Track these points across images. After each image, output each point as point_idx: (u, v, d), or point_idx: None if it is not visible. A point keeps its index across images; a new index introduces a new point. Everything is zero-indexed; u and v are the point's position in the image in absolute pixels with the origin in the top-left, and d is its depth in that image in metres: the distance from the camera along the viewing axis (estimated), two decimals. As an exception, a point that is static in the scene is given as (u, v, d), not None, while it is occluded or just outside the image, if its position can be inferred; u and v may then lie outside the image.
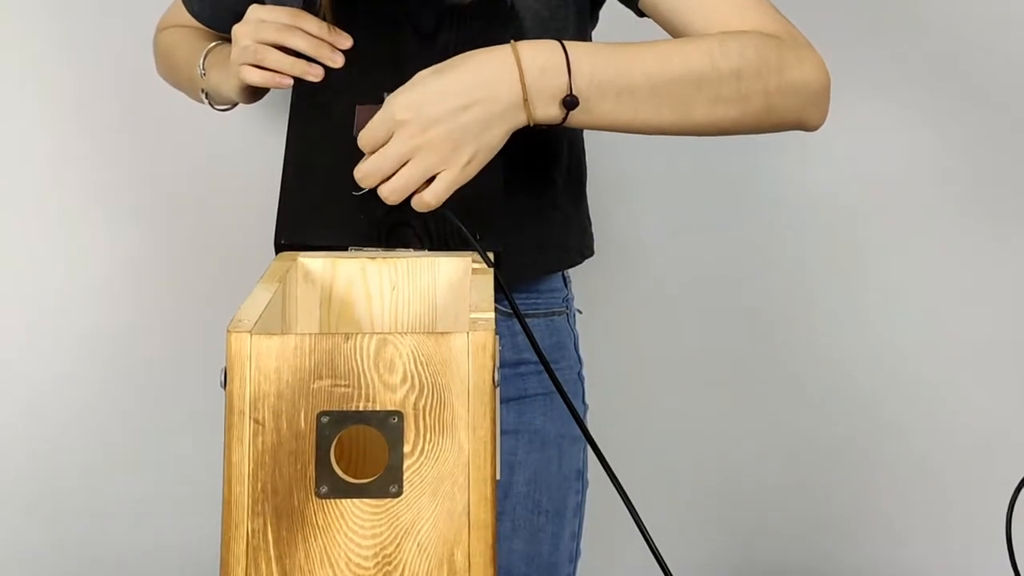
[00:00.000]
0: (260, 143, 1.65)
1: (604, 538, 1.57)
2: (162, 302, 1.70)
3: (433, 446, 0.77)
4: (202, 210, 1.70)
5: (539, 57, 0.95)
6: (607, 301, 1.79)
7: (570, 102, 0.96)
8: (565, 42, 0.97)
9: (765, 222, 1.83)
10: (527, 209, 1.17)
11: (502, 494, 1.21)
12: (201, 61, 1.23)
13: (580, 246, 1.26)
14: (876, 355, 1.85)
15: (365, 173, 0.96)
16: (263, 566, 0.76)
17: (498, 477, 0.79)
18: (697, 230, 1.81)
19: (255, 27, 1.08)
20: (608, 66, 0.97)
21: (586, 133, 1.26)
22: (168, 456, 1.71)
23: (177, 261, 1.71)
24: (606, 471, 0.90)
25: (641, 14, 1.13)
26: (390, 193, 0.95)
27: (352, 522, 0.76)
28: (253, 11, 1.09)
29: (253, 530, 0.76)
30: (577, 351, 1.29)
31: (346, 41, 1.08)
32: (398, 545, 0.76)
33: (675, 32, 1.09)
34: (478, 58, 0.95)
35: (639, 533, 0.89)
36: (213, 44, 1.25)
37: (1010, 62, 1.74)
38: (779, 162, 1.83)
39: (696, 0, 1.07)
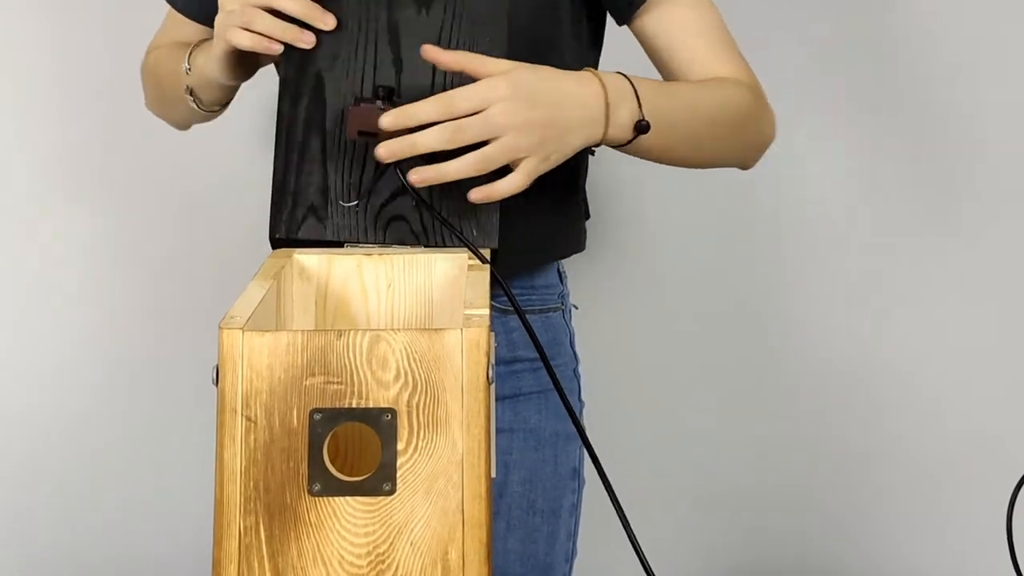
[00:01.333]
0: (255, 139, 1.65)
1: (602, 538, 1.57)
2: (156, 299, 1.69)
3: (427, 443, 0.76)
4: (198, 207, 1.70)
5: (616, 81, 1.00)
6: (605, 298, 1.78)
7: (643, 126, 1.01)
8: (627, 74, 1.02)
9: (763, 220, 1.82)
10: (519, 204, 1.16)
11: (497, 493, 1.20)
12: (187, 57, 1.16)
13: (574, 240, 1.25)
14: (875, 354, 1.85)
15: (435, 140, 0.91)
16: (255, 564, 0.75)
17: (493, 475, 0.78)
18: (695, 227, 1.81)
19: None
20: (660, 99, 1.03)
21: None
22: (160, 453, 1.71)
23: (171, 257, 1.70)
24: (597, 470, 0.90)
25: (621, 23, 1.18)
26: (464, 167, 0.92)
27: (345, 520, 0.75)
28: None
29: (245, 528, 0.75)
30: (573, 348, 1.28)
31: (331, 20, 1.01)
32: (391, 544, 0.75)
33: (658, 59, 1.17)
34: (564, 72, 0.98)
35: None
36: (199, 40, 1.19)
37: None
38: (778, 160, 1.82)
39: (688, 40, 1.14)
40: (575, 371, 1.28)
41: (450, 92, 0.93)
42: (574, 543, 1.27)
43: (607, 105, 0.99)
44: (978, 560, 1.78)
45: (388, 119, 0.92)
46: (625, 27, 1.20)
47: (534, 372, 1.22)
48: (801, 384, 1.85)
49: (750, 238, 1.82)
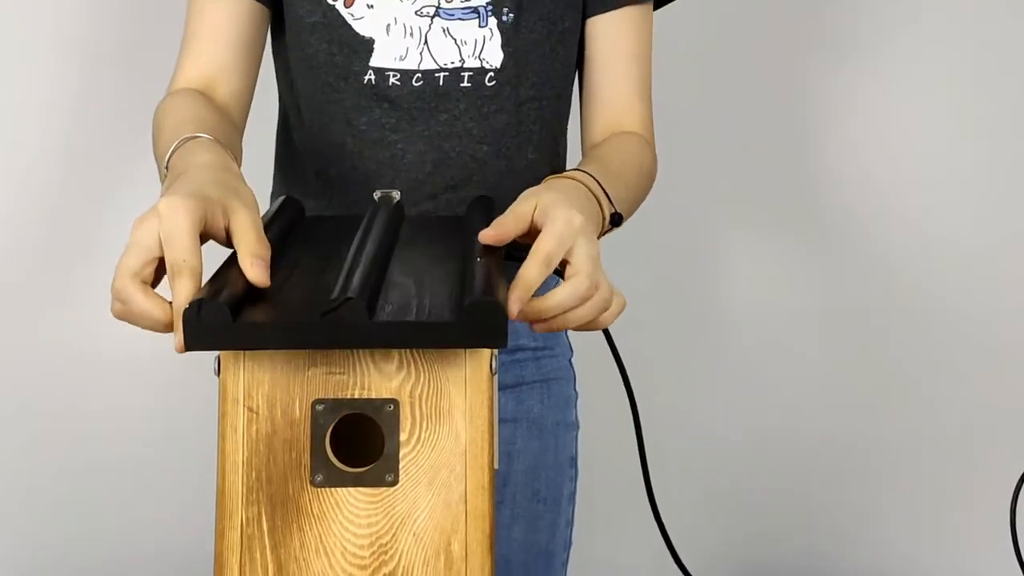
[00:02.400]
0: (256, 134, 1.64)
1: (601, 528, 1.57)
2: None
3: (430, 434, 0.76)
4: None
5: (590, 182, 1.04)
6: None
7: (617, 219, 1.05)
8: (589, 171, 1.05)
9: (761, 218, 1.82)
10: None
11: (501, 482, 1.21)
12: (168, 154, 0.97)
13: None
14: (874, 351, 1.85)
15: (586, 313, 0.87)
16: (258, 555, 0.75)
17: (496, 466, 0.78)
18: (693, 223, 1.81)
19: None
20: (617, 190, 1.07)
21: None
22: (161, 444, 1.71)
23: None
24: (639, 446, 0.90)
25: (586, 17, 1.21)
26: (609, 318, 0.90)
27: (348, 511, 0.75)
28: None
29: (247, 519, 0.75)
30: (568, 339, 1.30)
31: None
32: (394, 535, 0.75)
33: (584, 63, 1.21)
34: (568, 182, 1.01)
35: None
36: (187, 137, 0.98)
37: None
38: (777, 162, 1.82)
39: (619, 65, 1.21)
40: (570, 361, 1.30)
41: (543, 249, 0.86)
42: (571, 531, 1.28)
43: (601, 206, 1.03)
44: (982, 555, 1.78)
45: (518, 297, 0.83)
46: None
47: (536, 361, 1.24)
48: (803, 383, 1.85)
49: (749, 236, 1.82)
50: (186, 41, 1.17)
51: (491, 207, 0.93)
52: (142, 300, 0.78)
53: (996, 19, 1.79)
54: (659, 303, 1.85)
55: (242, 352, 0.75)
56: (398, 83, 1.14)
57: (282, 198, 0.93)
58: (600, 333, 0.97)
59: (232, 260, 0.78)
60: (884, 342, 1.85)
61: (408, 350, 0.75)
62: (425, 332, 0.72)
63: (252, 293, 0.75)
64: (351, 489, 0.75)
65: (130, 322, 0.80)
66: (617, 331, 0.99)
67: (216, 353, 0.75)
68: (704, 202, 1.82)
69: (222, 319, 0.70)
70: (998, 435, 1.83)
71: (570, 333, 1.31)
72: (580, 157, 1.20)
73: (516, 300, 0.82)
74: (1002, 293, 1.84)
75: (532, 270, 0.84)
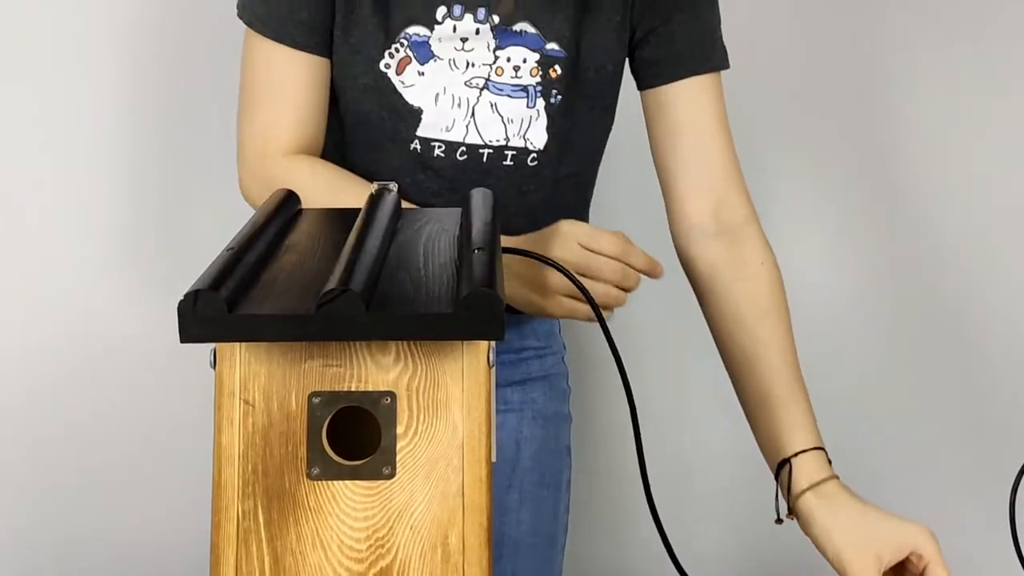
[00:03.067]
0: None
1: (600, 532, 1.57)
2: (152, 280, 1.68)
3: (427, 427, 0.75)
4: (199, 191, 1.69)
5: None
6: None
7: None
8: (824, 457, 1.12)
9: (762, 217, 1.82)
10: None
11: (510, 468, 1.25)
12: None
13: None
14: (874, 348, 1.84)
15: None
16: (254, 549, 0.75)
17: (493, 459, 0.77)
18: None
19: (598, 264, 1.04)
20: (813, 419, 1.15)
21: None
22: (157, 437, 1.70)
23: (166, 238, 1.69)
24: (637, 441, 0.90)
25: (646, 87, 1.23)
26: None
27: (344, 504, 0.75)
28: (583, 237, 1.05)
29: (244, 512, 0.75)
30: (562, 337, 1.35)
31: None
32: (391, 528, 0.75)
33: (668, 129, 1.22)
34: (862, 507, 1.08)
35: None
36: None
37: None
38: (779, 163, 1.82)
39: (707, 139, 1.22)
40: (563, 359, 1.34)
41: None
42: (568, 517, 1.33)
43: None
44: (982, 547, 1.78)
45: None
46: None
47: (540, 359, 1.30)
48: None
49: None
50: (265, 96, 1.15)
51: (489, 199, 0.92)
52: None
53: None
54: (659, 303, 1.84)
55: (238, 344, 0.75)
56: (443, 155, 1.16)
57: (281, 192, 0.93)
58: (599, 331, 0.98)
59: (227, 253, 0.78)
60: (884, 338, 1.84)
61: (405, 342, 0.75)
62: (422, 324, 0.71)
63: (248, 285, 0.75)
64: (348, 482, 0.75)
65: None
66: (616, 329, 0.99)
67: (212, 345, 0.75)
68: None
69: (218, 311, 0.70)
70: (997, 425, 1.83)
71: (564, 332, 1.33)
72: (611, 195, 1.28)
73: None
74: (988, 288, 1.84)
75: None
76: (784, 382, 1.11)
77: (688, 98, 1.20)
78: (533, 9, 1.14)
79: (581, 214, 1.25)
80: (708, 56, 1.20)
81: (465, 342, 0.75)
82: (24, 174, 1.67)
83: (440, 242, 0.86)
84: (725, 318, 1.17)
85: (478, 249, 0.79)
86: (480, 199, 0.91)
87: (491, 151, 1.16)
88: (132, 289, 1.70)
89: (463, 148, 1.15)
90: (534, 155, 1.17)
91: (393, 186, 0.92)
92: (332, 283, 0.71)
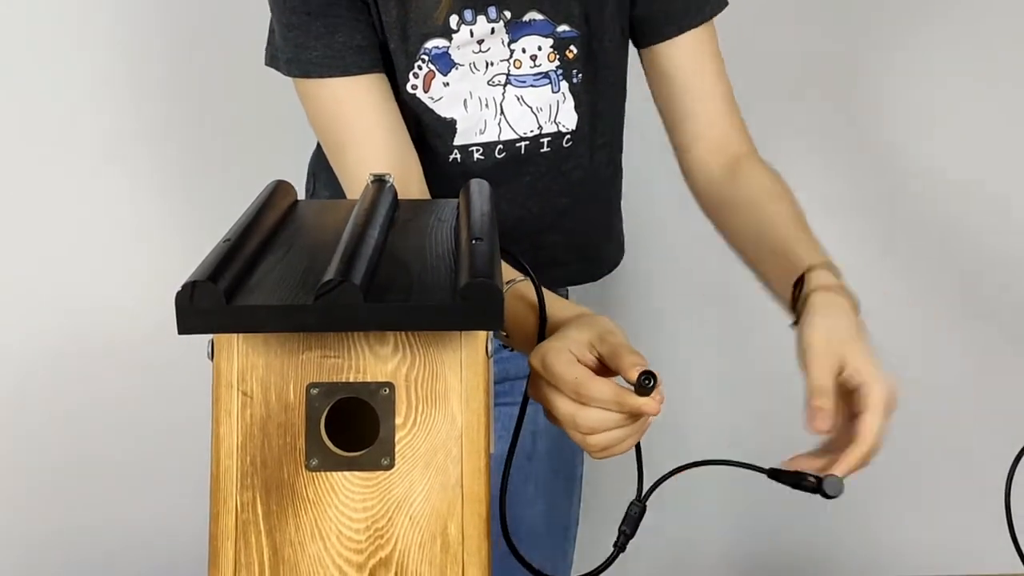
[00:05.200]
0: (273, 134, 1.64)
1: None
2: (151, 274, 1.68)
3: (425, 418, 0.75)
4: (199, 190, 1.69)
5: (845, 293, 1.08)
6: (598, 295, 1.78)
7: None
8: (830, 270, 1.08)
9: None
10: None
11: (526, 458, 1.25)
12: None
13: (617, 257, 1.35)
14: (875, 347, 1.84)
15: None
16: (252, 540, 0.74)
17: (492, 450, 0.77)
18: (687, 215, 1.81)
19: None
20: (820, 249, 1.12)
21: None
22: (155, 428, 1.70)
23: (165, 230, 1.69)
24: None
25: (644, 45, 1.22)
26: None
27: (343, 495, 0.75)
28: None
29: (242, 504, 0.75)
30: None
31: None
32: (390, 518, 0.75)
33: (669, 89, 1.21)
34: (841, 312, 1.05)
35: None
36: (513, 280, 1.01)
37: None
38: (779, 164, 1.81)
39: (707, 89, 1.21)
40: None
41: (876, 438, 1.05)
42: (579, 508, 1.35)
43: None
44: (978, 536, 1.78)
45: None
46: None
47: None
48: (795, 372, 1.84)
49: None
50: (348, 137, 1.12)
51: (486, 190, 0.92)
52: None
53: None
54: (658, 302, 1.85)
55: (236, 336, 0.75)
56: (482, 157, 1.17)
57: (274, 182, 0.93)
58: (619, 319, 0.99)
59: (223, 244, 0.77)
60: (883, 337, 1.84)
61: (403, 333, 0.75)
62: (420, 314, 0.71)
63: (245, 276, 0.75)
64: (346, 473, 0.75)
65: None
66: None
67: (210, 337, 0.75)
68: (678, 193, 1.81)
69: (215, 302, 0.70)
70: (993, 414, 1.83)
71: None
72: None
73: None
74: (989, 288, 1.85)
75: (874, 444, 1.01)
76: (797, 233, 1.11)
77: (687, 51, 1.21)
78: None
79: (615, 178, 1.28)
80: (701, 7, 1.20)
81: (464, 333, 0.75)
82: (24, 174, 1.67)
83: (438, 233, 0.86)
84: (738, 210, 1.17)
85: (476, 239, 0.78)
86: (477, 190, 0.91)
87: (527, 143, 1.17)
88: (132, 279, 1.70)
89: (500, 146, 1.17)
90: (568, 136, 1.19)
91: (390, 177, 0.92)
92: (330, 274, 0.71)
